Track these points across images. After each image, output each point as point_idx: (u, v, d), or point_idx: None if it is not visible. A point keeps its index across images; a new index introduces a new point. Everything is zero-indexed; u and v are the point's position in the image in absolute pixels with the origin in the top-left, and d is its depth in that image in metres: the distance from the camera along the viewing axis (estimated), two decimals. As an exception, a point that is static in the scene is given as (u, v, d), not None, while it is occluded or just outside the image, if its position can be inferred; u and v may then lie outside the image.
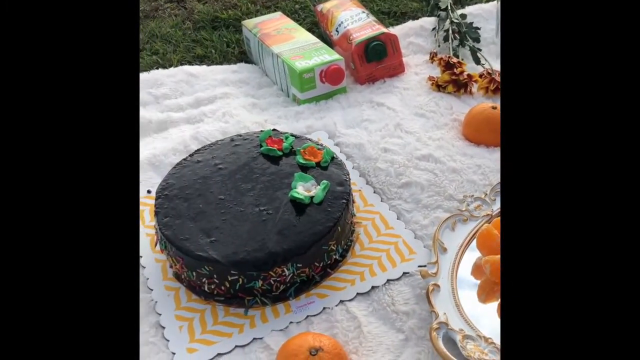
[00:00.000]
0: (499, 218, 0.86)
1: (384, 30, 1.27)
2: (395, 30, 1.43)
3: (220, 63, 1.41)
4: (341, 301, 0.81)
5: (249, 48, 1.40)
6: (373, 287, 0.83)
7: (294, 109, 1.19)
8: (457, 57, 1.31)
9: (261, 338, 0.77)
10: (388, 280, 0.83)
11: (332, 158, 0.92)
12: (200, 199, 0.85)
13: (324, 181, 0.86)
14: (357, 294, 0.82)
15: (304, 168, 0.90)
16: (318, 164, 0.90)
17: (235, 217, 0.83)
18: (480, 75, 1.21)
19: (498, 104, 1.09)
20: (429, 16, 1.48)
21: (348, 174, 0.90)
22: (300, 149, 0.92)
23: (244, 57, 1.43)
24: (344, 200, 0.85)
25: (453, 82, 1.20)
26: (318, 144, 0.94)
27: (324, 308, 0.80)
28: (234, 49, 1.46)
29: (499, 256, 0.80)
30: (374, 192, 0.98)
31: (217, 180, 0.88)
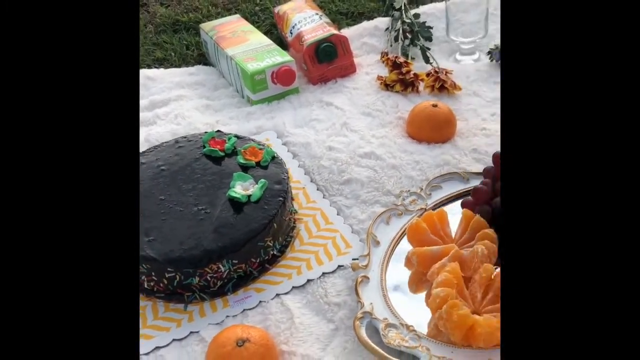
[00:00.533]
0: (431, 212, 0.90)
1: (335, 32, 1.30)
2: (350, 30, 1.47)
3: (179, 66, 1.44)
4: (277, 294, 0.85)
5: (207, 50, 1.44)
6: (309, 281, 0.87)
7: (246, 109, 1.23)
8: (407, 56, 1.35)
9: (197, 332, 0.81)
10: (323, 274, 0.87)
11: (273, 157, 0.96)
12: (142, 200, 0.89)
13: (262, 180, 0.90)
14: (293, 287, 0.86)
15: (245, 168, 0.94)
16: (258, 164, 0.94)
17: (174, 216, 0.86)
18: (428, 74, 1.25)
19: (439, 102, 1.13)
20: (384, 16, 1.52)
21: (287, 173, 0.94)
22: (242, 149, 0.96)
23: (203, 59, 1.47)
24: (281, 198, 0.89)
25: (400, 81, 1.24)
26: (260, 144, 0.98)
27: (260, 302, 0.84)
28: (193, 52, 1.49)
29: (426, 248, 0.84)
30: (317, 189, 1.02)
31: (159, 182, 0.92)
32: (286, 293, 0.85)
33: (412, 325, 0.76)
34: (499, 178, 0.89)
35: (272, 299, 0.85)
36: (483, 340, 0.71)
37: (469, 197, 0.90)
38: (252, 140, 1.00)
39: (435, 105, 1.10)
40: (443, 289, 0.75)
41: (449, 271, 0.77)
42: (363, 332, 0.74)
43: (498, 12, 1.48)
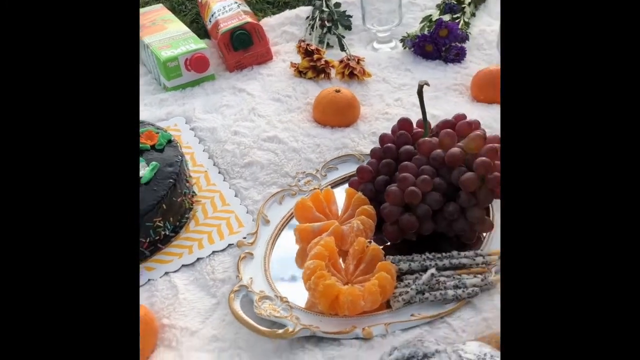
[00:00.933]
0: (317, 191, 0.93)
1: (250, 20, 1.33)
2: (272, 19, 1.50)
3: (102, 55, 1.45)
4: (166, 273, 0.88)
5: (129, 40, 1.45)
6: (198, 259, 0.90)
7: (160, 96, 1.25)
8: (324, 44, 1.38)
9: (83, 308, 0.83)
10: (213, 252, 0.91)
11: (169, 141, 0.99)
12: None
13: (154, 162, 0.93)
14: (182, 265, 0.89)
15: (140, 151, 0.96)
16: (153, 147, 0.97)
17: (64, 198, 0.88)
18: (340, 62, 1.28)
19: (342, 87, 1.16)
20: (307, 5, 1.55)
21: (182, 155, 0.97)
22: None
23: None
24: (172, 180, 0.91)
25: (312, 68, 1.27)
26: (157, 128, 1.01)
27: (149, 279, 0.87)
28: (117, 41, 1.50)
29: (307, 224, 0.88)
30: (219, 173, 1.05)
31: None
32: (175, 271, 0.88)
33: (285, 297, 0.80)
34: (380, 157, 0.92)
35: (161, 277, 0.87)
36: (347, 309, 0.75)
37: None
38: (151, 124, 1.02)
39: (338, 91, 1.14)
40: (313, 261, 0.78)
41: (322, 245, 0.81)
42: (236, 304, 0.78)
43: (413, 2, 1.52)
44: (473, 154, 0.86)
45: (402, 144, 0.93)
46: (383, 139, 0.96)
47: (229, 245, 0.91)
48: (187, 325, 0.80)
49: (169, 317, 0.81)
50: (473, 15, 1.45)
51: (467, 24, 1.40)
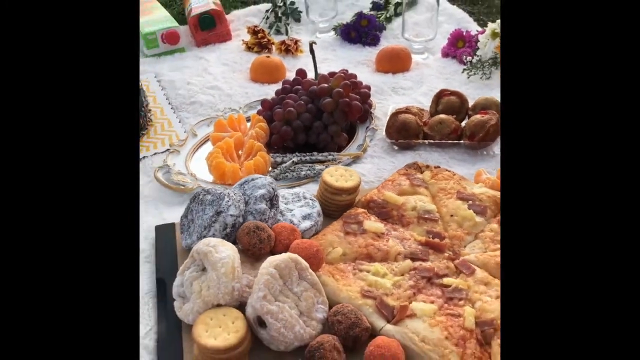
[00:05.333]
0: (232, 115, 1.34)
1: (214, 7, 1.77)
2: (239, 11, 1.95)
3: (103, 33, 1.91)
4: (120, 163, 1.29)
5: (126, 23, 1.91)
6: (144, 157, 1.31)
7: (140, 60, 1.69)
8: (272, 29, 1.82)
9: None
10: (155, 153, 1.32)
11: (134, 79, 1.41)
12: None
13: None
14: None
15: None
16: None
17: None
18: (281, 42, 1.70)
19: (271, 55, 1.59)
20: (268, 2, 1.99)
21: (141, 86, 1.39)
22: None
23: (124, 30, 1.94)
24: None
25: (257, 44, 1.70)
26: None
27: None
28: (117, 25, 1.96)
29: (220, 133, 1.29)
30: (171, 108, 1.48)
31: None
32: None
33: (194, 173, 1.20)
34: (278, 94, 1.33)
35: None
36: (230, 178, 1.15)
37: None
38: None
39: (268, 57, 1.57)
40: (214, 150, 1.20)
41: (223, 142, 1.22)
42: (158, 174, 1.19)
43: (355, 3, 1.95)
44: (336, 88, 1.27)
45: (295, 84, 1.35)
46: (284, 82, 1.37)
47: (167, 150, 1.33)
48: (127, 190, 1.21)
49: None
50: (397, 14, 1.86)
51: (388, 19, 1.82)
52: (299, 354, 0.81)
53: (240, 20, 1.91)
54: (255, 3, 2.06)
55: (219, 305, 0.82)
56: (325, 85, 1.27)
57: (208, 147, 1.31)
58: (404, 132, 1.24)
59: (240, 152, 1.25)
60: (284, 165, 1.19)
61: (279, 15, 1.88)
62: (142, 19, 1.76)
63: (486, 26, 1.55)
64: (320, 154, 1.23)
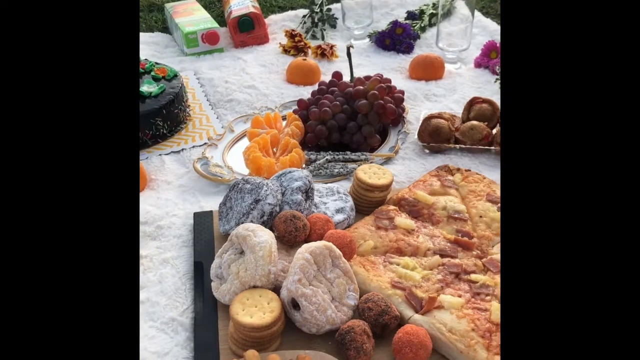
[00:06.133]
0: (269, 112, 1.39)
1: (253, 10, 1.84)
2: (277, 16, 2.01)
3: (144, 32, 1.99)
4: (159, 154, 1.35)
5: (168, 23, 1.98)
6: (183, 149, 1.37)
7: (179, 58, 1.76)
8: (308, 33, 1.87)
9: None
10: (193, 146, 1.37)
11: (175, 75, 1.48)
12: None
13: (161, 84, 1.41)
14: (172, 151, 1.36)
15: (155, 78, 1.45)
16: (163, 77, 1.46)
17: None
18: (317, 47, 1.76)
19: (307, 58, 1.64)
20: (306, 8, 2.05)
21: (182, 84, 1.45)
22: (155, 68, 1.48)
23: (166, 30, 2.01)
24: (171, 96, 1.40)
25: (294, 47, 1.76)
26: (168, 67, 1.50)
27: (147, 157, 1.34)
28: (159, 25, 2.04)
29: (256, 129, 1.34)
30: (209, 104, 1.53)
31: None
32: (166, 154, 1.35)
33: (230, 165, 1.25)
34: (315, 94, 1.38)
35: (156, 156, 1.34)
36: (265, 172, 1.20)
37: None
38: (166, 65, 1.52)
39: (304, 59, 1.62)
40: (250, 144, 1.24)
41: (260, 137, 1.27)
42: (197, 165, 1.24)
43: (390, 12, 2.00)
44: (372, 90, 1.31)
45: (331, 86, 1.39)
46: (320, 84, 1.42)
47: (205, 143, 1.38)
48: (166, 179, 1.26)
49: (155, 175, 1.28)
50: (431, 24, 1.91)
51: (422, 29, 1.86)
52: (329, 338, 0.85)
53: (278, 25, 1.97)
54: (292, 8, 2.12)
55: (255, 287, 0.86)
56: (361, 87, 1.32)
57: (244, 142, 1.36)
58: (436, 136, 1.28)
59: (275, 148, 1.30)
60: (317, 162, 1.24)
61: (316, 20, 1.93)
62: (183, 19, 1.83)
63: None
64: (353, 154, 1.27)
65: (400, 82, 1.59)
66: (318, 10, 1.96)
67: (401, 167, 1.26)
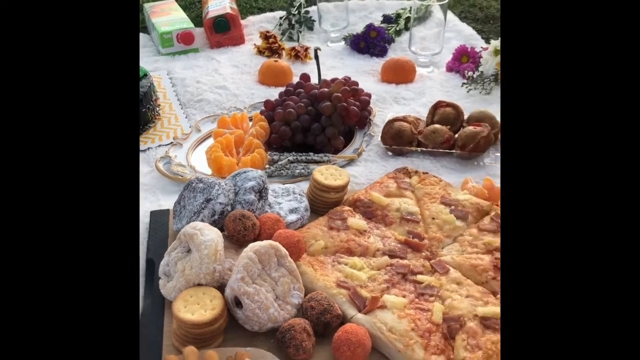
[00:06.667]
0: (236, 113, 1.40)
1: (229, 11, 1.85)
2: (255, 17, 2.02)
3: (123, 31, 2.00)
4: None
5: (146, 23, 1.99)
6: (149, 148, 1.38)
7: (155, 58, 1.78)
8: (284, 35, 1.88)
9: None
10: (159, 145, 1.38)
11: (145, 75, 1.49)
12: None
13: (130, 83, 1.42)
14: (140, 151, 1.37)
15: (124, 77, 1.46)
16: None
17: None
18: (292, 48, 1.77)
19: (280, 60, 1.65)
20: (284, 10, 2.06)
21: (151, 83, 1.46)
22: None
23: (145, 30, 2.02)
24: (139, 96, 1.41)
25: (268, 49, 1.77)
26: (142, 69, 1.51)
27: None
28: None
29: (222, 129, 1.35)
30: (179, 104, 1.54)
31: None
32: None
33: (193, 165, 1.26)
34: (281, 96, 1.39)
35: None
36: (226, 172, 1.21)
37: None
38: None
39: (276, 61, 1.63)
40: (213, 144, 1.26)
41: (223, 137, 1.28)
42: (159, 164, 1.25)
43: (368, 16, 2.02)
44: (335, 93, 1.32)
45: (298, 87, 1.41)
46: (287, 85, 1.43)
47: (170, 142, 1.39)
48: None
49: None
50: (407, 28, 1.92)
51: (398, 32, 1.88)
52: (272, 336, 0.86)
53: (255, 26, 1.98)
54: (271, 10, 2.13)
55: (200, 285, 0.88)
56: (326, 89, 1.33)
57: (210, 142, 1.38)
58: (398, 139, 1.29)
59: (240, 149, 1.31)
60: (279, 163, 1.25)
61: (293, 22, 1.95)
62: (159, 19, 1.84)
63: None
64: (316, 155, 1.28)
65: (371, 85, 1.60)
66: (296, 12, 1.98)
67: (362, 169, 1.27)
